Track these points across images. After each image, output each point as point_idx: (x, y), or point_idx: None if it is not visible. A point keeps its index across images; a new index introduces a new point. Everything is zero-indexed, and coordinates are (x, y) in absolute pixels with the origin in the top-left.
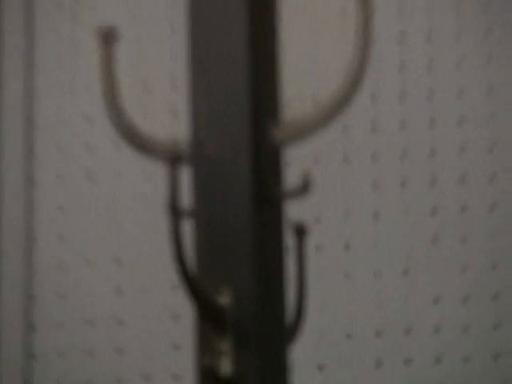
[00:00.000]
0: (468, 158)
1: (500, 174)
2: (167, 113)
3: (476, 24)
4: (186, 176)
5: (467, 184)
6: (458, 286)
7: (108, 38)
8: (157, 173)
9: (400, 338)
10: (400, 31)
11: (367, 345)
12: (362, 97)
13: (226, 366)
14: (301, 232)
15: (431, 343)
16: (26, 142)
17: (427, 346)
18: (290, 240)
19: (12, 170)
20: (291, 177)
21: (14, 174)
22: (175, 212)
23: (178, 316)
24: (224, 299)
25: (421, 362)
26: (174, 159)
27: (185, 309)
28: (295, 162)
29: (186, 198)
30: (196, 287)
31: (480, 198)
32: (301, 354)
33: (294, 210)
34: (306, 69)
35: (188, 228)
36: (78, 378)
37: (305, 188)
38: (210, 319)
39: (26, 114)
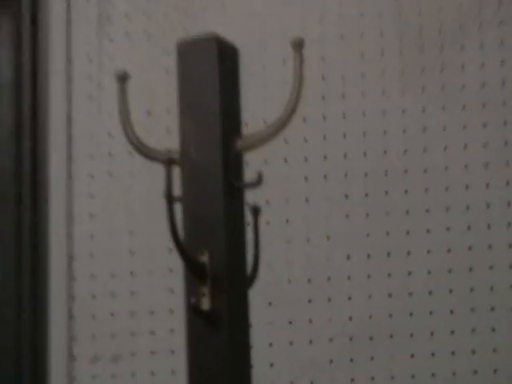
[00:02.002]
0: None
1: None
2: (164, 131)
3: None
4: (177, 173)
5: None
6: None
7: (122, 78)
8: (157, 171)
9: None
10: None
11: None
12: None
13: (206, 304)
14: (256, 211)
15: None
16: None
17: None
18: (248, 217)
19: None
20: (249, 173)
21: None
22: (170, 199)
23: (173, 269)
24: (204, 258)
25: None
26: (169, 162)
27: (178, 265)
28: (251, 163)
29: (177, 189)
30: (185, 251)
31: None
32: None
33: (251, 196)
34: (258, 103)
35: (179, 210)
36: None
37: (259, 181)
38: (195, 272)
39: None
